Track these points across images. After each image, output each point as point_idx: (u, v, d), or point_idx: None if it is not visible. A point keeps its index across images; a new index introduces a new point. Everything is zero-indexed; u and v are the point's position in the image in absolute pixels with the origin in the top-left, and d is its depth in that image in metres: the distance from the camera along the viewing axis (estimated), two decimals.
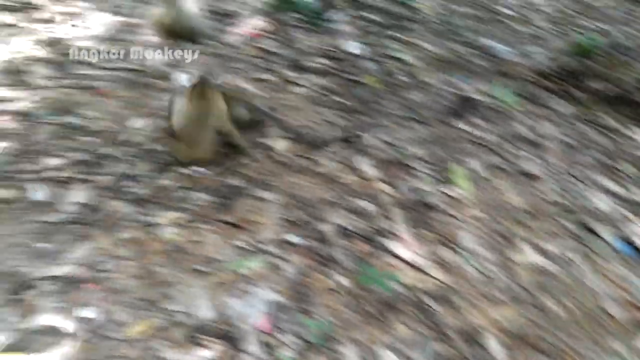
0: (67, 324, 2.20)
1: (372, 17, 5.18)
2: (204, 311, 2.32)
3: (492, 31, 5.25)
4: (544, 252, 2.85)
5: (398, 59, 4.49)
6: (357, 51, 4.55)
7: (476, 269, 2.69)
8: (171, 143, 3.19)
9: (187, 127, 3.11)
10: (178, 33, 4.29)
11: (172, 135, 3.19)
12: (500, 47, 4.87)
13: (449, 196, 3.12)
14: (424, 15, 5.35)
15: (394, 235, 2.81)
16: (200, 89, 3.10)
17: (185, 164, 3.11)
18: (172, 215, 2.78)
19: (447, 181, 3.23)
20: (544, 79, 4.37)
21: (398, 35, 4.90)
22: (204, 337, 2.21)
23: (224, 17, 4.95)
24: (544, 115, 3.99)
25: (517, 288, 2.63)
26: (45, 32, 4.33)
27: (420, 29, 5.08)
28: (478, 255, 2.78)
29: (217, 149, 3.17)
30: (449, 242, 2.82)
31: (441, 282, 2.58)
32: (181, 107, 3.15)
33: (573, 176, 3.42)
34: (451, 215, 2.99)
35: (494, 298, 2.56)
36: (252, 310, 2.34)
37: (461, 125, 3.75)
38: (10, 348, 2.11)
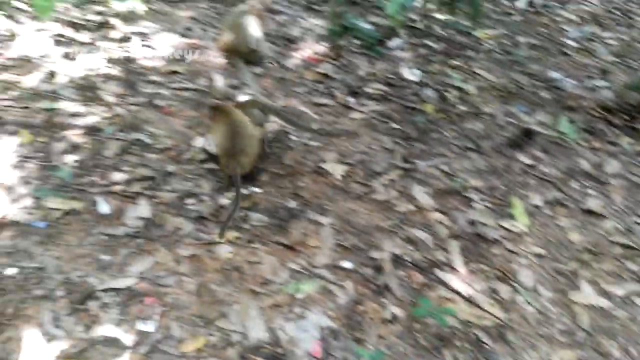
0: (127, 337, 2.28)
1: (433, 45, 5.20)
2: (258, 332, 2.35)
3: (557, 63, 5.17)
4: (606, 294, 2.75)
5: (458, 88, 4.48)
6: (416, 79, 4.57)
7: (534, 307, 2.63)
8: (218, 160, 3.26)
9: (224, 144, 3.16)
10: (243, 56, 4.42)
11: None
12: (564, 80, 4.78)
13: (508, 230, 3.07)
14: (486, 45, 5.32)
15: (449, 268, 2.78)
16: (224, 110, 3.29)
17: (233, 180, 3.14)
18: (231, 234, 2.84)
19: (506, 215, 3.18)
20: (609, 114, 4.26)
21: (459, 64, 4.89)
22: (257, 358, 2.24)
23: (287, 41, 5.08)
24: (609, 151, 3.88)
25: (577, 330, 2.54)
26: (118, 51, 4.55)
27: (482, 59, 5.06)
28: (537, 293, 2.72)
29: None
30: (507, 277, 2.77)
31: (498, 318, 2.53)
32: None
33: (638, 215, 3.30)
34: (510, 251, 2.94)
35: (552, 339, 2.48)
36: (305, 334, 2.35)
37: (522, 157, 3.70)
38: (72, 357, 2.19)
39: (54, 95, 3.85)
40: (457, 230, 3.03)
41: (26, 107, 3.69)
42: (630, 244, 3.07)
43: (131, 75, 4.25)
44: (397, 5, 4.11)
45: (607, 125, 4.17)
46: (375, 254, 2.81)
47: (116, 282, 2.51)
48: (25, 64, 4.22)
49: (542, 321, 2.56)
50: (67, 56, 4.38)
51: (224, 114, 3.28)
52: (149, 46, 4.71)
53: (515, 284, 2.73)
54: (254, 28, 4.18)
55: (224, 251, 2.74)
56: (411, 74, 4.63)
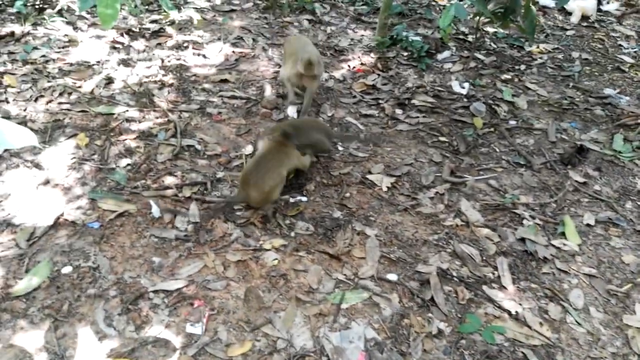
0: (176, 338, 2.32)
1: (483, 58, 5.14)
2: (303, 340, 2.36)
3: (611, 79, 5.03)
4: None
5: (509, 102, 4.41)
6: (466, 92, 4.53)
7: (585, 328, 2.54)
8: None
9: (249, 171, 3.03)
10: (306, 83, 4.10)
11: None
12: (619, 96, 4.65)
13: (559, 249, 2.99)
14: (539, 60, 5.23)
15: (497, 285, 2.73)
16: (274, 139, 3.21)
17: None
18: (277, 242, 2.87)
19: (557, 233, 3.10)
20: None
21: (510, 78, 4.82)
22: None
23: (335, 52, 5.12)
24: None
25: (630, 354, 2.45)
26: (172, 58, 4.68)
27: (533, 73, 4.97)
28: (588, 314, 2.63)
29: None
30: (557, 297, 2.69)
31: (547, 338, 2.47)
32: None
33: None
34: (560, 270, 2.86)
35: None
36: (350, 345, 2.35)
37: (574, 175, 3.60)
38: (123, 355, 2.25)
39: (111, 100, 3.99)
40: (506, 247, 2.97)
41: (84, 111, 3.84)
42: None
43: (184, 82, 4.36)
44: (450, 17, 4.10)
45: None
46: (421, 268, 2.78)
47: (166, 284, 2.57)
48: (83, 69, 4.40)
49: (592, 343, 2.48)
50: (123, 63, 4.54)
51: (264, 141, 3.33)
52: (201, 55, 4.83)
53: (566, 304, 2.66)
54: (318, 56, 4.05)
55: (270, 258, 2.76)
56: (460, 87, 4.59)
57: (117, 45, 4.82)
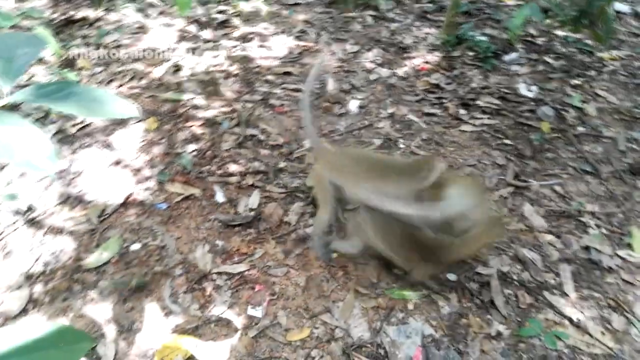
0: (237, 319, 2.39)
1: (552, 61, 5.01)
2: (361, 331, 2.39)
3: None
4: None
5: (577, 108, 4.29)
6: (533, 95, 4.42)
7: None
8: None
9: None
10: None
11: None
12: None
13: (625, 260, 2.90)
14: (610, 66, 5.06)
15: (559, 292, 2.67)
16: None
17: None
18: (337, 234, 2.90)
19: (624, 244, 3.01)
20: None
21: (579, 83, 4.69)
22: (358, 355, 2.28)
23: (399, 49, 5.09)
24: None
25: None
26: (238, 49, 4.77)
27: (604, 80, 4.81)
28: None
29: None
30: (621, 308, 2.62)
31: (608, 348, 2.41)
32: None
33: None
34: (625, 281, 2.78)
35: None
36: (407, 340, 2.36)
37: None
38: (188, 332, 2.33)
39: (179, 87, 4.10)
40: (569, 254, 2.90)
41: (153, 96, 3.96)
42: None
43: (248, 73, 4.44)
44: (523, 18, 4.02)
45: None
46: (481, 270, 2.76)
47: (229, 267, 2.64)
48: (153, 56, 4.53)
49: None
50: (191, 51, 4.66)
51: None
52: (266, 46, 4.90)
53: (630, 315, 2.59)
54: None
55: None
56: (527, 90, 4.49)
57: (185, 34, 4.95)
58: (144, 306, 2.41)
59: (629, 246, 3.00)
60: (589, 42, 5.34)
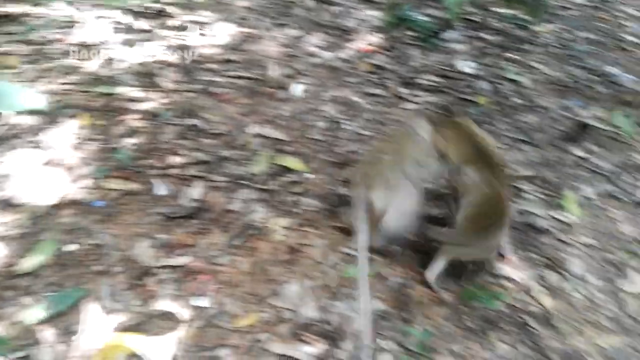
0: (182, 311, 2.36)
1: (489, 37, 5.12)
2: (309, 311, 2.40)
3: (615, 58, 5.02)
4: None
5: (513, 81, 4.41)
6: (471, 71, 4.52)
7: (583, 295, 2.61)
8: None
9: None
10: None
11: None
12: (622, 75, 4.64)
13: (560, 221, 3.04)
14: (544, 39, 5.21)
15: (500, 255, 2.76)
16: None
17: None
18: (283, 218, 2.90)
19: (559, 206, 3.14)
20: None
21: (515, 57, 4.81)
22: (307, 334, 2.29)
23: (341, 32, 5.10)
24: None
25: (625, 318, 2.51)
26: (176, 38, 4.67)
27: (538, 52, 4.96)
28: (586, 282, 2.70)
29: None
30: (557, 266, 2.75)
31: (546, 305, 2.51)
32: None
33: None
34: (561, 241, 2.91)
35: (600, 326, 2.47)
36: (355, 314, 2.38)
37: (576, 151, 3.63)
38: (130, 329, 2.28)
39: (113, 81, 3.99)
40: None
41: (86, 91, 3.84)
42: None
43: (188, 62, 4.36)
44: None
45: None
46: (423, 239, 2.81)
47: (172, 260, 2.60)
48: (85, 49, 4.38)
49: (589, 308, 2.56)
50: (126, 43, 4.53)
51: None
52: (205, 34, 4.82)
53: (564, 272, 2.72)
54: None
55: (277, 234, 2.79)
56: (466, 66, 4.58)
57: (119, 25, 4.81)
58: (83, 307, 2.34)
59: (563, 207, 3.13)
60: (524, 17, 5.47)
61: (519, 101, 4.17)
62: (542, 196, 3.19)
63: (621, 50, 5.19)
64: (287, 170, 3.27)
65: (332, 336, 2.29)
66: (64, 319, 2.29)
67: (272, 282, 2.51)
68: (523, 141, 3.70)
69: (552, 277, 2.68)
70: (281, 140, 3.53)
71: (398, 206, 2.56)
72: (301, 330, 2.30)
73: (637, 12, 6.14)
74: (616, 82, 4.53)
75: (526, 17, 5.44)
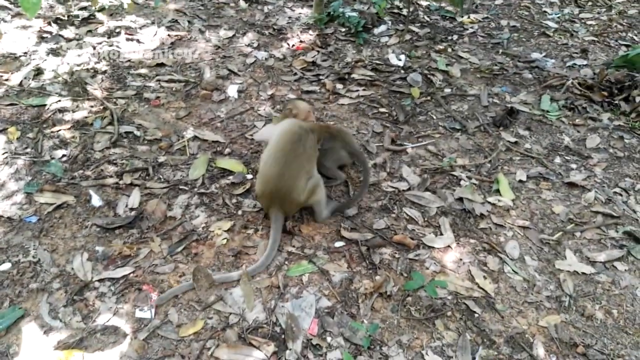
0: (125, 325, 2.31)
1: (418, 30, 5.25)
2: (256, 313, 2.39)
3: (538, 44, 5.24)
4: (589, 261, 2.83)
5: (443, 71, 4.53)
6: (402, 64, 4.62)
7: (521, 276, 2.69)
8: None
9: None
10: None
11: None
12: (545, 60, 4.85)
13: (494, 205, 3.13)
14: (470, 29, 5.37)
15: (440, 243, 2.83)
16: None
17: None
18: (225, 221, 2.88)
19: (493, 191, 3.24)
20: (589, 91, 4.33)
21: (443, 48, 4.94)
22: (255, 337, 2.28)
23: (275, 31, 5.11)
24: (590, 127, 3.96)
25: (562, 295, 2.61)
26: (104, 45, 4.56)
27: (465, 42, 5.12)
28: (523, 263, 2.78)
29: None
30: (494, 250, 2.83)
31: (488, 289, 2.59)
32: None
33: (618, 186, 3.38)
34: (497, 224, 3.00)
35: (540, 305, 2.55)
36: (301, 313, 2.40)
37: (506, 136, 3.76)
38: (72, 346, 2.21)
39: (42, 92, 3.86)
40: (445, 207, 3.09)
41: (13, 104, 3.70)
42: (612, 212, 3.14)
43: (118, 69, 4.27)
44: None
45: (587, 102, 4.24)
46: (367, 233, 2.86)
47: (112, 272, 2.54)
48: (10, 61, 4.23)
49: (529, 289, 2.63)
50: (53, 52, 4.39)
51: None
52: (135, 40, 4.72)
53: (503, 255, 2.80)
54: None
55: (219, 239, 2.77)
56: (397, 60, 4.68)
57: (44, 35, 4.65)
58: (21, 327, 2.26)
59: (497, 192, 3.24)
60: (450, 8, 5.64)
61: (450, 91, 4.29)
62: (476, 182, 3.29)
63: (543, 36, 5.42)
64: (227, 172, 3.25)
65: (280, 338, 2.29)
66: (2, 341, 2.21)
67: (217, 288, 2.49)
68: (456, 129, 3.81)
69: (492, 261, 2.76)
70: (219, 142, 3.51)
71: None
72: (248, 334, 2.29)
73: None
74: (540, 67, 4.73)
75: (452, 8, 5.62)
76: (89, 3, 5.23)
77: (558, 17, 5.85)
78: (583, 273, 2.74)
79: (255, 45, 4.84)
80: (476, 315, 2.47)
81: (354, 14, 5.26)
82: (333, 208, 2.98)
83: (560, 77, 4.53)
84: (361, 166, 3.22)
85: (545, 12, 6.02)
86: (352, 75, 4.43)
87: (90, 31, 4.82)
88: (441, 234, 2.90)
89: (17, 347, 2.19)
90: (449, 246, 2.83)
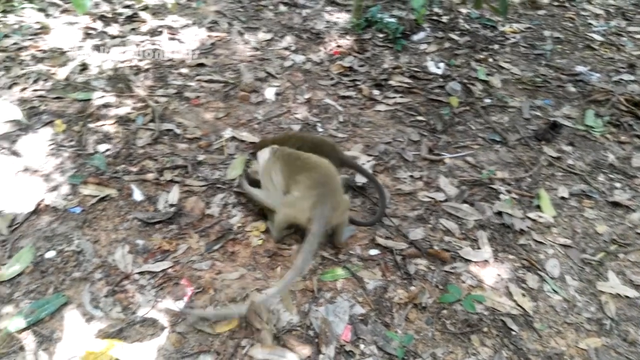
0: (163, 317, 2.34)
1: (457, 38, 5.20)
2: (290, 315, 2.40)
3: (582, 57, 5.14)
4: (633, 284, 2.75)
5: (483, 81, 4.49)
6: (441, 72, 4.59)
7: (561, 296, 2.64)
8: None
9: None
10: None
11: None
12: (590, 73, 4.76)
13: (535, 221, 3.08)
14: (512, 39, 5.31)
15: (477, 257, 2.80)
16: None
17: None
18: (261, 222, 2.90)
19: (533, 206, 3.19)
20: (636, 107, 4.22)
21: (484, 57, 4.89)
22: (289, 339, 2.29)
23: (313, 35, 5.12)
24: (636, 145, 3.86)
25: (604, 318, 2.55)
26: (147, 43, 4.64)
27: (507, 52, 5.05)
28: (564, 282, 2.73)
29: None
30: (534, 267, 2.78)
31: (525, 306, 2.55)
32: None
33: None
34: (537, 241, 2.95)
35: (579, 327, 2.50)
36: (335, 319, 2.40)
37: (548, 150, 3.70)
38: (111, 336, 2.26)
39: (87, 87, 3.95)
40: (484, 220, 3.05)
41: (59, 98, 3.79)
42: None
43: (160, 67, 4.33)
44: None
45: (634, 119, 4.14)
46: (402, 243, 2.84)
47: (152, 266, 2.58)
48: (57, 56, 4.33)
49: (568, 309, 2.58)
50: (97, 48, 4.49)
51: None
52: (177, 39, 4.79)
53: (542, 273, 2.75)
54: None
55: (255, 239, 2.79)
56: (436, 67, 4.65)
57: (90, 31, 4.76)
58: (64, 314, 2.32)
59: (538, 208, 3.18)
60: (492, 17, 5.58)
61: (490, 101, 4.25)
62: (516, 196, 3.24)
63: (588, 49, 5.31)
64: None
65: (313, 341, 2.30)
66: (45, 327, 2.26)
67: (252, 287, 2.51)
68: (496, 141, 3.77)
69: (531, 279, 2.72)
70: (256, 143, 3.54)
71: None
72: (282, 335, 2.31)
73: (602, 10, 6.29)
74: (584, 80, 4.64)
75: (494, 17, 5.56)
76: (133, 1, 5.32)
77: (604, 30, 5.73)
78: (626, 296, 2.68)
79: (293, 48, 4.87)
80: (513, 333, 2.43)
81: (393, 20, 5.24)
82: (352, 230, 2.92)
83: (606, 92, 4.43)
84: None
85: (590, 24, 5.90)
86: (389, 82, 4.42)
87: (133, 29, 4.91)
88: (478, 248, 2.86)
89: (60, 333, 2.25)
90: (486, 261, 2.79)
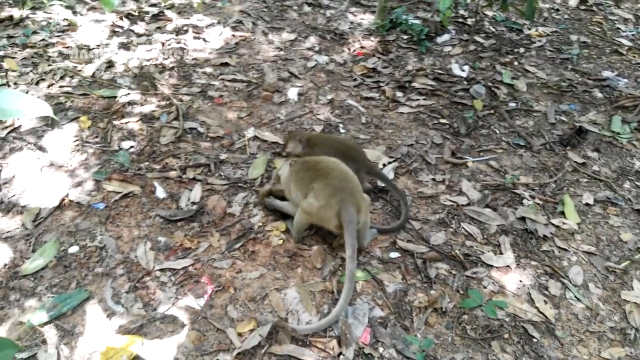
0: (183, 315, 2.36)
1: (482, 41, 5.15)
2: (310, 315, 2.40)
3: (609, 62, 5.06)
4: None
5: (508, 84, 4.44)
6: (465, 75, 4.55)
7: (584, 304, 2.60)
8: None
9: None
10: None
11: None
12: (617, 79, 4.68)
13: (558, 228, 3.03)
14: (537, 43, 5.24)
15: (499, 262, 2.77)
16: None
17: None
18: (282, 222, 2.90)
19: (557, 212, 3.15)
20: None
21: (509, 61, 4.84)
22: (310, 339, 2.29)
23: (336, 36, 5.12)
24: None
25: (628, 327, 2.51)
26: (173, 42, 4.68)
27: (532, 56, 4.99)
28: (587, 290, 2.68)
29: None
30: (557, 274, 2.74)
31: (546, 313, 2.51)
32: None
33: None
34: (560, 248, 2.91)
35: (602, 336, 2.45)
36: (354, 321, 2.39)
37: (573, 156, 3.64)
38: (132, 332, 2.28)
39: (112, 84, 3.99)
40: (507, 225, 3.01)
41: (85, 94, 3.84)
42: None
43: (185, 66, 4.37)
44: (450, 0, 4.10)
45: None
46: (422, 246, 2.82)
47: (173, 263, 2.60)
48: (84, 53, 4.39)
49: (591, 318, 2.54)
50: (124, 46, 4.54)
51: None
52: (201, 38, 4.83)
53: (565, 281, 2.71)
54: None
55: (275, 239, 2.79)
56: (460, 70, 4.61)
57: (116, 29, 4.81)
58: (86, 309, 2.35)
59: (562, 214, 3.14)
60: (517, 20, 5.52)
61: (515, 105, 4.20)
62: (540, 202, 3.20)
63: (616, 54, 5.22)
64: None
65: (334, 342, 2.29)
66: (67, 321, 2.29)
67: (271, 287, 2.52)
68: (520, 146, 3.72)
69: (554, 286, 2.68)
70: (278, 143, 3.54)
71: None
72: (302, 336, 2.30)
73: (630, 15, 6.19)
74: (611, 86, 4.56)
75: (519, 20, 5.50)
76: (160, 0, 5.37)
77: (632, 35, 5.63)
78: None
79: (316, 49, 4.87)
80: (534, 340, 2.40)
81: (417, 21, 5.21)
82: (374, 234, 2.92)
83: (634, 98, 4.35)
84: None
85: (618, 28, 5.80)
86: (413, 84, 4.39)
87: (159, 28, 4.95)
88: (501, 253, 2.83)
89: (82, 328, 2.28)
90: (508, 266, 2.76)
